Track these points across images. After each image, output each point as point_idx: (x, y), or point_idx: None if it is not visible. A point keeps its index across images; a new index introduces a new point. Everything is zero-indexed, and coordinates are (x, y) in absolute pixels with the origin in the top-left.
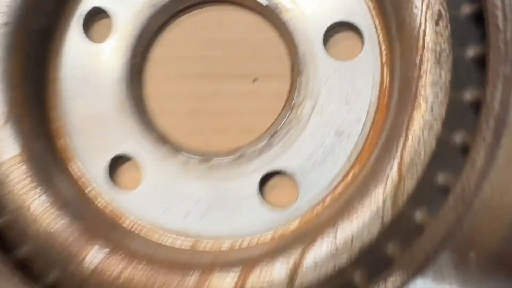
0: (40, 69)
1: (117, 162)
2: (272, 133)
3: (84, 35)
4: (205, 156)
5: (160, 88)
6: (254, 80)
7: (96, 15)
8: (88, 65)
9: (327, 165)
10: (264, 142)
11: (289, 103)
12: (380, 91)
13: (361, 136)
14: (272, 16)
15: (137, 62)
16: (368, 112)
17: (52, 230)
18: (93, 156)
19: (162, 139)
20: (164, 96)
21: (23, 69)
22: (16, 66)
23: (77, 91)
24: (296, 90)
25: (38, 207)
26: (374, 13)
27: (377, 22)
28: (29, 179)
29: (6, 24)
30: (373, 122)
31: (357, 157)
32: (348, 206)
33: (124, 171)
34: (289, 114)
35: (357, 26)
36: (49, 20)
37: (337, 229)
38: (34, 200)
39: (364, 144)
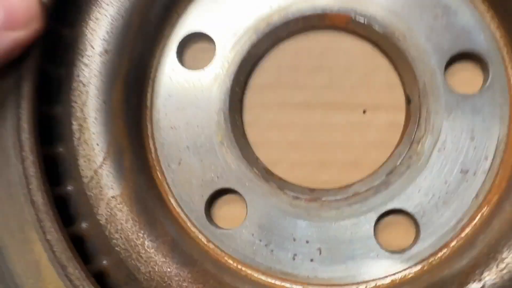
0: (137, 97)
1: (216, 196)
2: (389, 169)
3: (181, 61)
4: (314, 194)
5: (261, 118)
6: (364, 111)
7: (192, 40)
8: (186, 93)
9: (451, 205)
10: (381, 179)
11: (408, 137)
12: (509, 127)
13: (489, 175)
14: (387, 45)
15: (238, 91)
16: (496, 149)
17: (165, 273)
18: (192, 191)
19: (266, 173)
20: (265, 126)
21: (123, 99)
22: (117, 96)
23: (174, 121)
24: (416, 124)
25: (148, 248)
26: (501, 42)
27: (505, 52)
28: (136, 219)
29: (106, 51)
30: (502, 160)
31: (485, 198)
32: (491, 253)
33: (224, 206)
34: (409, 149)
35: (482, 56)
36: (148, 45)
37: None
38: (144, 241)
39: (493, 183)
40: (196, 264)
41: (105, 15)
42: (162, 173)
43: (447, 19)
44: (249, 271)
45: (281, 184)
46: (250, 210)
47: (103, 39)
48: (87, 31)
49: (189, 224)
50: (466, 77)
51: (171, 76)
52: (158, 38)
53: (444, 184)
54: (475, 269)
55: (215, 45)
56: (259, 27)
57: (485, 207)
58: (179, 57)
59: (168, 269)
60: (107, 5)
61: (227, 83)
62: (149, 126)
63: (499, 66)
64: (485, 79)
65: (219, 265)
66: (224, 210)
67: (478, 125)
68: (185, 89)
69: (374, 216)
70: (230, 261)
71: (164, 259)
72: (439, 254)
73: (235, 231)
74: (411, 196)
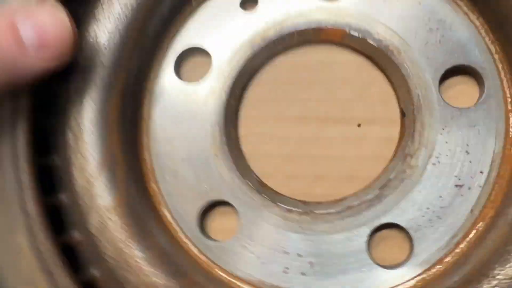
0: (133, 109)
1: (209, 208)
2: (383, 183)
3: (178, 74)
4: (307, 207)
5: (256, 131)
6: (359, 125)
7: (189, 53)
8: (182, 105)
9: (446, 220)
10: (375, 192)
11: (402, 151)
12: (505, 141)
13: (485, 190)
14: (382, 59)
15: (234, 104)
16: (492, 163)
17: (154, 284)
18: (185, 202)
19: (259, 186)
20: (260, 140)
21: (119, 111)
22: (113, 108)
23: (170, 133)
24: (410, 138)
25: (137, 259)
26: (497, 56)
27: (500, 66)
28: (127, 229)
29: (103, 65)
30: (497, 175)
31: (480, 213)
32: (484, 269)
33: (217, 217)
34: (402, 163)
35: (478, 70)
36: (145, 58)
37: None
38: (135, 251)
39: (488, 198)
40: (186, 275)
41: (102, 30)
42: (157, 184)
43: (442, 33)
44: (240, 284)
45: (274, 196)
46: (242, 223)
47: (100, 53)
48: (83, 44)
49: (181, 235)
50: (462, 90)
51: (168, 88)
52: (155, 51)
53: (438, 199)
54: (467, 286)
55: (211, 59)
56: (255, 42)
57: (480, 223)
58: (176, 70)
59: (158, 280)
60: (104, 19)
61: (223, 96)
62: (145, 138)
63: (495, 80)
64: (481, 93)
65: (210, 277)
66: (217, 222)
67: (473, 139)
68: (181, 102)
69: (367, 230)
70: (221, 273)
71: (154, 270)
72: (433, 270)
73: (227, 243)
74: (404, 210)
